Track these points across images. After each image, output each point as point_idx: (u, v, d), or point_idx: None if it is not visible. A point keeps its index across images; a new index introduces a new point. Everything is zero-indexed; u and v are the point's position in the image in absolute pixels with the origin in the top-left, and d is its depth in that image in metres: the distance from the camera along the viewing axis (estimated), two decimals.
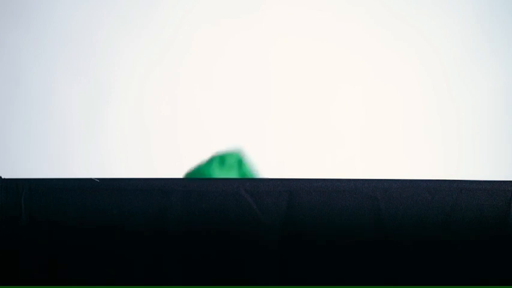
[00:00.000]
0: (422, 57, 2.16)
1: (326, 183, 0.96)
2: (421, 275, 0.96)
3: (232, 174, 1.15)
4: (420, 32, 2.16)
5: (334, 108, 2.12)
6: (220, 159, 1.14)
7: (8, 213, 0.92)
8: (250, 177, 1.13)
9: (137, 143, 2.10)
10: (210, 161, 1.15)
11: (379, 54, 2.15)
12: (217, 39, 2.11)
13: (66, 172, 1.97)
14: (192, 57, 2.11)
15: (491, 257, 0.96)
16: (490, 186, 0.97)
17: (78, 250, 0.93)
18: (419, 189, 0.96)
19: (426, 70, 2.17)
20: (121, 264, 0.93)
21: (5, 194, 0.92)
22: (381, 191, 0.95)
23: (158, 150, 2.09)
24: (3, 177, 0.94)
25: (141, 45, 2.12)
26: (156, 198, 0.94)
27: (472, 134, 2.17)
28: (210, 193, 0.94)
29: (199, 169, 1.15)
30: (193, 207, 0.94)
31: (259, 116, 1.94)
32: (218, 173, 1.15)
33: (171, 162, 1.95)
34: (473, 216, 0.96)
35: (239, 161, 1.14)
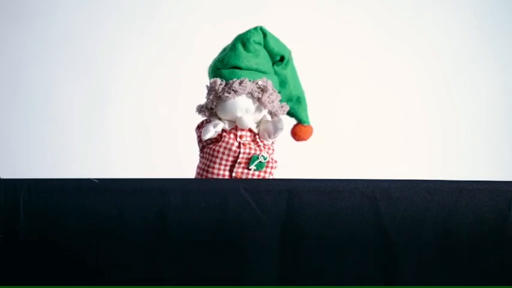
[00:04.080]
0: (421, 57, 2.16)
1: (326, 183, 0.96)
2: (421, 275, 0.96)
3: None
4: (420, 32, 2.16)
5: (334, 109, 2.12)
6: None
7: (7, 213, 0.91)
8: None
9: (137, 143, 2.10)
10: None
11: (379, 55, 2.15)
12: (218, 40, 2.11)
13: (66, 172, 1.97)
14: (193, 57, 2.10)
15: (491, 257, 0.96)
16: (490, 186, 0.97)
17: (78, 250, 0.93)
18: (419, 189, 0.96)
19: (426, 70, 2.17)
20: (120, 264, 0.93)
21: (4, 194, 0.92)
22: (380, 191, 0.95)
23: (158, 151, 2.10)
24: (2, 177, 0.94)
25: (142, 46, 2.12)
26: (155, 198, 0.94)
27: (472, 134, 2.17)
28: (209, 192, 0.94)
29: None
30: (192, 206, 0.94)
31: None
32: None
33: (171, 162, 1.95)
34: (473, 216, 0.96)
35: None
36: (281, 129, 1.08)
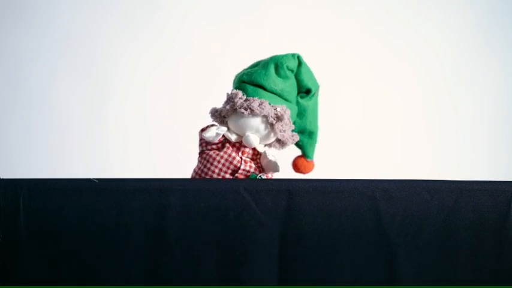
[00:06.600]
0: (421, 57, 2.16)
1: (326, 183, 0.96)
2: (421, 275, 0.96)
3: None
4: (420, 32, 2.16)
5: (334, 109, 2.12)
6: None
7: (7, 213, 0.92)
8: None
9: (137, 143, 2.10)
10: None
11: (379, 55, 2.15)
12: (217, 39, 2.11)
13: (66, 172, 1.97)
14: (193, 57, 2.11)
15: (491, 257, 0.96)
16: (490, 186, 0.97)
17: (77, 250, 0.93)
18: (419, 189, 0.96)
19: (425, 70, 2.17)
20: (120, 264, 0.93)
21: (4, 194, 0.92)
22: (380, 191, 0.95)
23: (158, 151, 2.10)
24: (2, 177, 0.94)
25: (141, 45, 2.12)
26: (155, 198, 0.94)
27: (472, 134, 2.17)
28: (209, 192, 0.94)
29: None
30: (192, 206, 0.94)
31: None
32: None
33: (171, 162, 1.95)
34: (473, 216, 0.96)
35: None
36: (276, 172, 1.09)
